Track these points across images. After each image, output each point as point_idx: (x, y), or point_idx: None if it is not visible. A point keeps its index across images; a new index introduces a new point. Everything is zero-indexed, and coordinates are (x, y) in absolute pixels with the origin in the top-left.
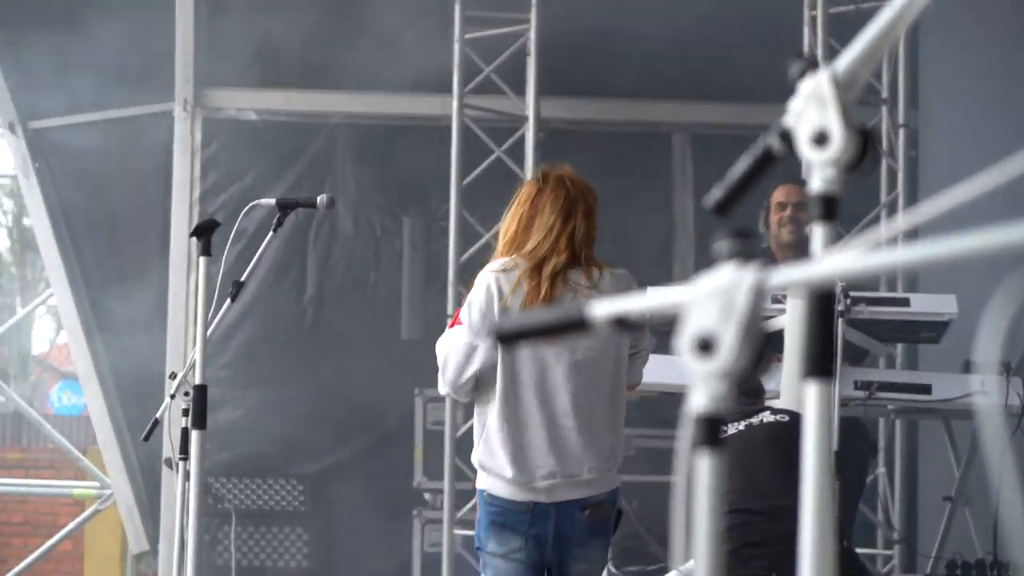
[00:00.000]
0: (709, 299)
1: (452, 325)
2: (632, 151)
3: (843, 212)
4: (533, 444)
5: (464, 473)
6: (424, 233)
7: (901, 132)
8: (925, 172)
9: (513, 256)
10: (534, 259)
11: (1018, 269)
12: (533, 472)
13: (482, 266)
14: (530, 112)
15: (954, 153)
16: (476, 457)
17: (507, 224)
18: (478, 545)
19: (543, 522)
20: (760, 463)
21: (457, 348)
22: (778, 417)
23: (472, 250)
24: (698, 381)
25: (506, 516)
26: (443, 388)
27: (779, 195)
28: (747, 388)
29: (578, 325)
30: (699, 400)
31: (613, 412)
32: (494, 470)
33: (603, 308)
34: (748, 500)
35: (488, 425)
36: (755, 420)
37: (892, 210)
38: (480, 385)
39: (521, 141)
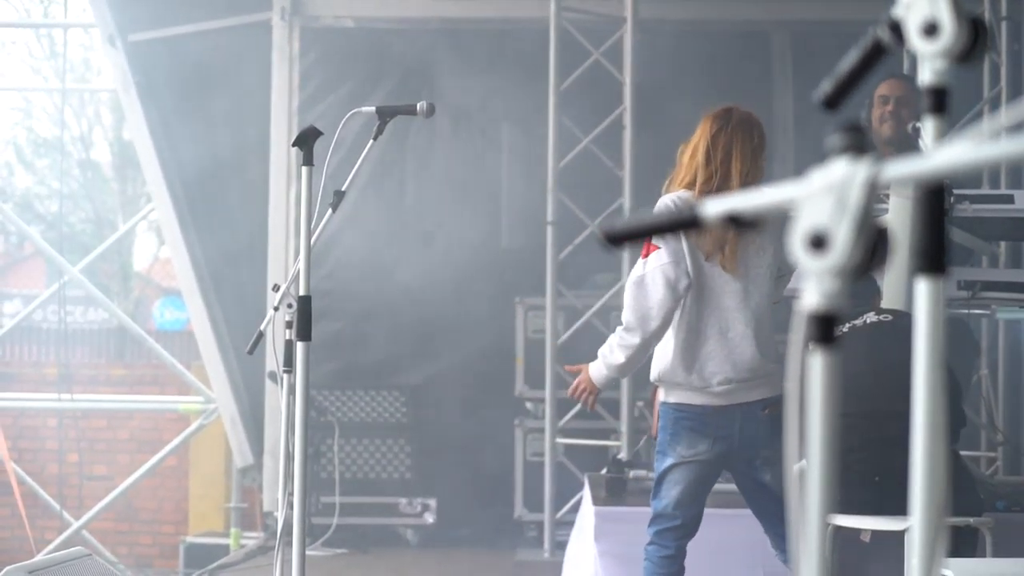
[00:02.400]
0: (822, 195)
1: (646, 255)
2: (731, 51)
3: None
4: (711, 353)
5: (565, 382)
6: (523, 139)
7: (1004, 25)
8: None
9: (691, 192)
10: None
11: None
12: (710, 379)
13: (580, 172)
14: (628, 13)
15: None
16: (658, 371)
17: (687, 157)
18: (663, 455)
19: (729, 423)
20: (861, 366)
21: (662, 267)
22: (881, 317)
23: (571, 155)
24: (811, 278)
25: (694, 420)
26: (639, 323)
27: (882, 89)
28: (858, 289)
29: (690, 223)
30: (812, 298)
31: (771, 322)
32: (677, 381)
33: (716, 206)
34: (849, 404)
35: (669, 341)
36: (858, 321)
37: (995, 105)
38: None
39: (619, 43)
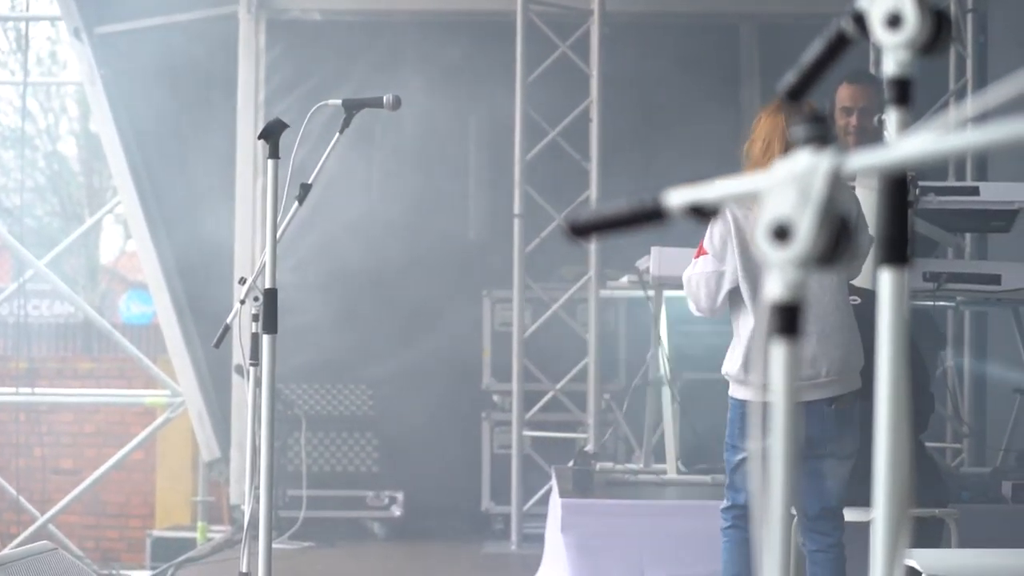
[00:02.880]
0: (785, 186)
1: (697, 255)
2: (698, 43)
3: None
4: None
5: (532, 374)
6: (490, 131)
7: (970, 17)
8: (994, 58)
9: None
10: None
11: None
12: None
13: (547, 164)
14: (595, 5)
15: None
16: (726, 368)
17: (758, 151)
18: (734, 449)
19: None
20: None
21: (706, 277)
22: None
23: (538, 147)
24: (774, 268)
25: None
26: (697, 312)
27: (844, 97)
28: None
29: (653, 215)
30: (775, 288)
31: (845, 317)
32: (742, 379)
33: (678, 196)
34: None
35: (737, 337)
36: None
37: (961, 97)
38: (731, 299)
39: (586, 36)
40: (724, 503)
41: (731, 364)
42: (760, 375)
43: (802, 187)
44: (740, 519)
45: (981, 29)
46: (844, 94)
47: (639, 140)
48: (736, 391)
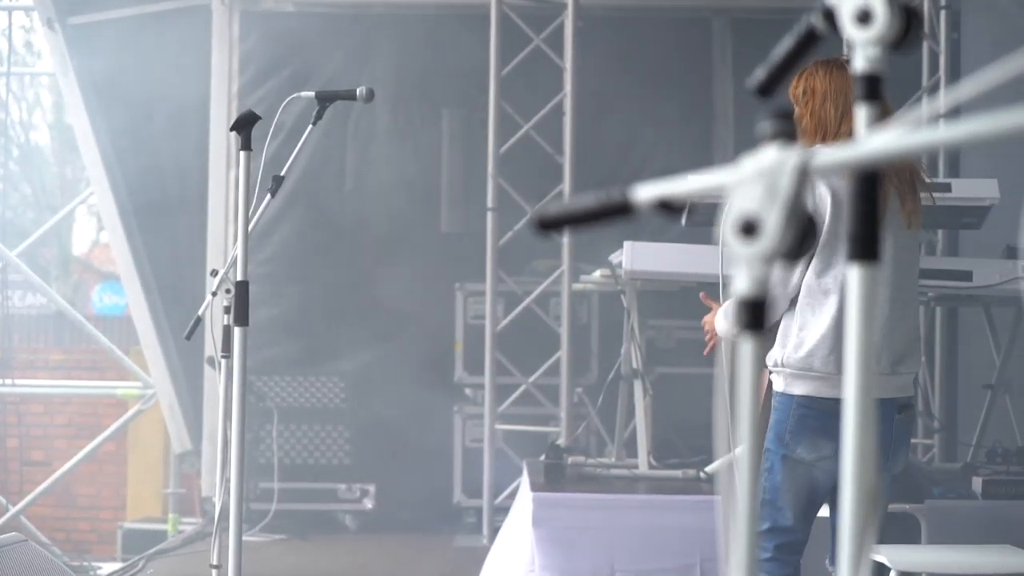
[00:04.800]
0: (753, 181)
1: None
2: (671, 38)
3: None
4: (840, 344)
5: (505, 368)
6: (463, 124)
7: (943, 14)
8: (967, 55)
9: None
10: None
11: None
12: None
13: (521, 158)
14: None
15: (997, 35)
16: (784, 358)
17: (817, 111)
18: (779, 448)
19: None
20: None
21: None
22: None
23: (512, 141)
24: (741, 264)
25: (823, 419)
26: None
27: None
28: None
29: (621, 210)
30: (742, 283)
31: (917, 308)
32: (813, 370)
33: (646, 191)
34: None
35: (797, 327)
36: None
37: (934, 93)
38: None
39: (560, 29)
40: (763, 524)
41: (790, 353)
42: (836, 364)
43: (769, 183)
44: (785, 550)
45: (954, 26)
46: None
47: (612, 134)
48: (792, 386)
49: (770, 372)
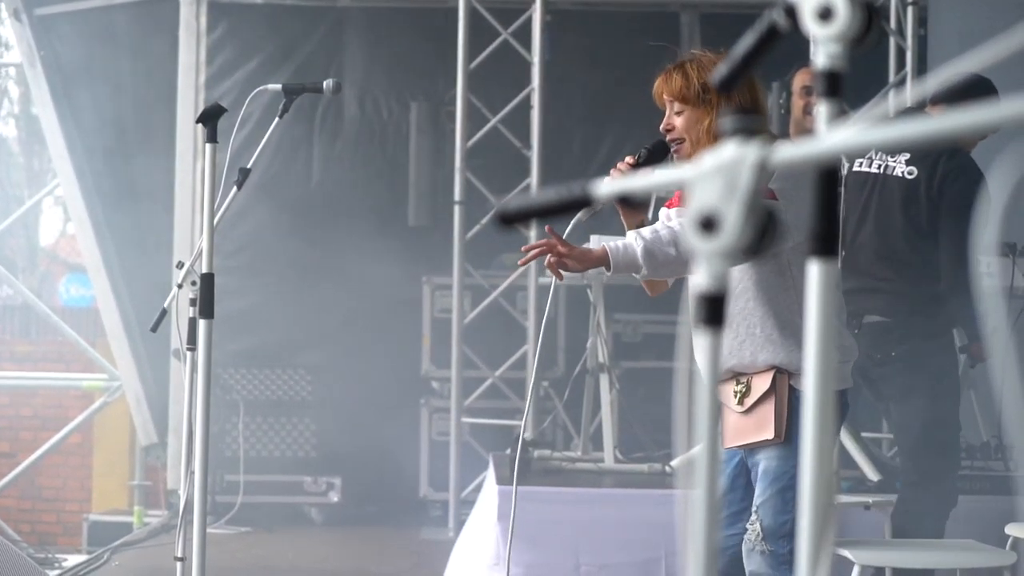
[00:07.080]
0: (712, 176)
1: None
2: (640, 31)
3: (850, 92)
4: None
5: (472, 361)
6: (431, 118)
7: (910, 10)
8: (934, 51)
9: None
10: None
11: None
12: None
13: (489, 151)
14: None
15: (964, 31)
16: (789, 356)
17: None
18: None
19: None
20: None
21: None
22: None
23: (479, 134)
24: (701, 259)
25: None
26: None
27: (807, 77)
28: None
29: (581, 203)
30: (701, 279)
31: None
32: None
33: (608, 186)
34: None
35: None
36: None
37: (900, 89)
38: None
39: (528, 23)
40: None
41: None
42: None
43: (729, 178)
44: None
45: (921, 22)
46: (807, 75)
47: (580, 127)
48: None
49: (775, 374)
